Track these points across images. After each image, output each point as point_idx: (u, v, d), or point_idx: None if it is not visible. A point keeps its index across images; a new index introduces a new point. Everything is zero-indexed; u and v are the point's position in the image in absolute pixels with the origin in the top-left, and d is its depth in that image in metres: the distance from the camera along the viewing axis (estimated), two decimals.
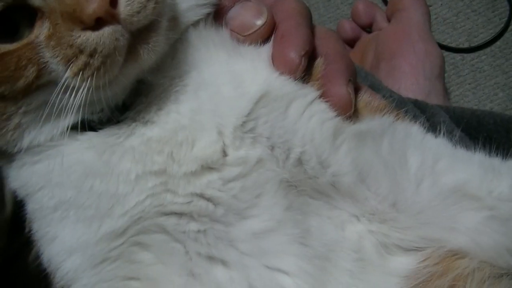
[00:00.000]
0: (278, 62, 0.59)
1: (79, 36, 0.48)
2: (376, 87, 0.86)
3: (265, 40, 0.61)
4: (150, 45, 0.51)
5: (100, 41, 0.48)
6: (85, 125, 0.54)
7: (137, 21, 0.49)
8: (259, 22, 0.60)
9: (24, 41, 0.49)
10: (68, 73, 0.49)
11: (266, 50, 0.60)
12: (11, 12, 0.49)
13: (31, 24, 0.50)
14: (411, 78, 1.07)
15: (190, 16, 0.59)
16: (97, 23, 0.47)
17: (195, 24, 0.60)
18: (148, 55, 0.51)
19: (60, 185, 0.54)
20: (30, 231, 0.59)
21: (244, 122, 0.55)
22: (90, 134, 0.55)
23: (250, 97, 0.56)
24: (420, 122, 0.64)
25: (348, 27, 1.25)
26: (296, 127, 0.57)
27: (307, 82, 0.59)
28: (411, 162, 0.58)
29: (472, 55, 1.30)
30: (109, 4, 0.47)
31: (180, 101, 0.56)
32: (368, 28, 1.28)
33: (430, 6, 1.31)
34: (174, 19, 0.57)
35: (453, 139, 0.62)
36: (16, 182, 0.58)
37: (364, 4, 1.25)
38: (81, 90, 0.49)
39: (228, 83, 0.57)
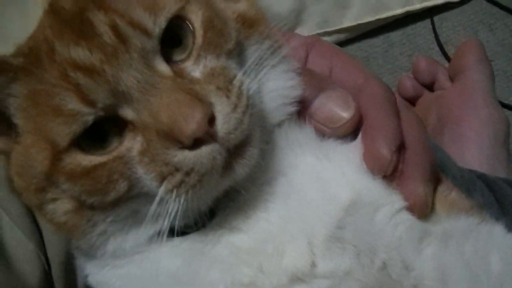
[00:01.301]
0: (369, 159, 0.57)
1: (176, 155, 0.47)
2: (445, 165, 0.85)
3: (353, 132, 0.59)
4: (245, 160, 0.51)
5: (198, 160, 0.47)
6: (172, 231, 0.53)
7: (234, 138, 0.48)
8: (346, 115, 0.58)
9: (115, 153, 0.49)
10: (162, 189, 0.48)
11: (354, 149, 0.59)
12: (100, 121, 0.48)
13: (119, 132, 0.49)
14: (475, 146, 1.05)
15: (276, 117, 0.58)
16: (195, 143, 0.46)
17: (280, 123, 0.59)
18: (243, 169, 0.51)
19: None
20: None
21: (334, 232, 0.54)
22: (177, 241, 0.54)
23: (339, 205, 0.55)
24: (492, 202, 0.62)
25: (410, 85, 1.22)
26: (383, 234, 0.55)
27: None
28: (494, 265, 0.56)
29: None
30: (208, 124, 0.46)
31: (269, 209, 0.55)
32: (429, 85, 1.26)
33: (492, 61, 1.28)
34: (264, 126, 0.56)
35: None
36: (95, 280, 0.58)
37: (426, 62, 1.23)
38: (173, 204, 0.49)
39: (317, 191, 0.56)
